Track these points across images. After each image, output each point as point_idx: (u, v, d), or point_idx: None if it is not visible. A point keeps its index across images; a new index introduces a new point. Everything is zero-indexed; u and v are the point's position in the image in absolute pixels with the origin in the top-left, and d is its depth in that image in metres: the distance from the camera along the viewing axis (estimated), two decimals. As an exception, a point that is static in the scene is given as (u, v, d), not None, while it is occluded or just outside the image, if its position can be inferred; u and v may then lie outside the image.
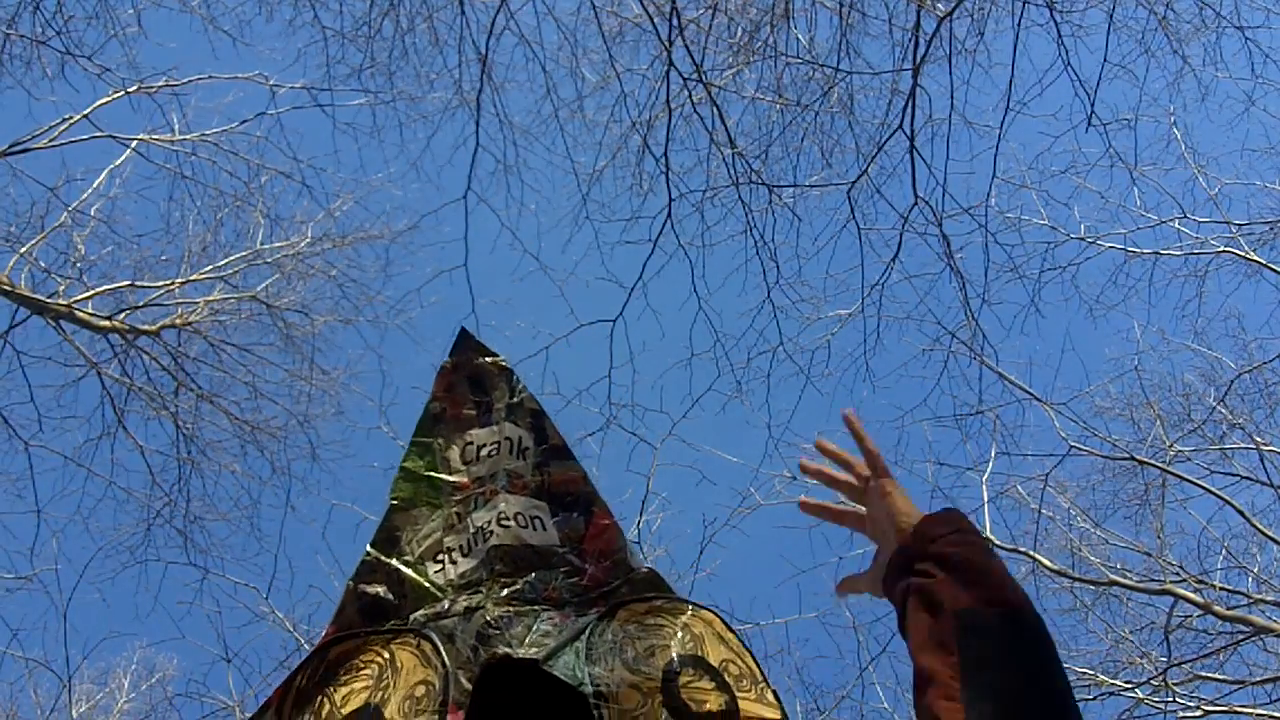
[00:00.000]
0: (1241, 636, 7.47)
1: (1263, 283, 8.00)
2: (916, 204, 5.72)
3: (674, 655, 1.13)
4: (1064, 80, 5.63)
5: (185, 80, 7.41)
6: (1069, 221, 7.81)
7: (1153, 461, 8.04)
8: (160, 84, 7.27)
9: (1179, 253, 8.06)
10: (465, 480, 1.36)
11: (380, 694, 1.04)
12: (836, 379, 7.06)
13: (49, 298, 7.21)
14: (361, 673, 1.06)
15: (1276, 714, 7.08)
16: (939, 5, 5.44)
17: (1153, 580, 7.96)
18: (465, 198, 5.88)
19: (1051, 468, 7.91)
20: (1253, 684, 7.46)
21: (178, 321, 7.96)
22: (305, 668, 1.07)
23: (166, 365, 7.86)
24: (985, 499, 7.86)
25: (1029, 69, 7.91)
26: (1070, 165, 7.46)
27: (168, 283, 8.06)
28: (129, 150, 7.57)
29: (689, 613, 1.21)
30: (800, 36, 6.17)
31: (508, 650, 1.11)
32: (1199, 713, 7.36)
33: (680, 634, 1.16)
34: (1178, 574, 7.91)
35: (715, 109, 5.77)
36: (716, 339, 6.42)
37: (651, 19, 5.59)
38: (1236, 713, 7.36)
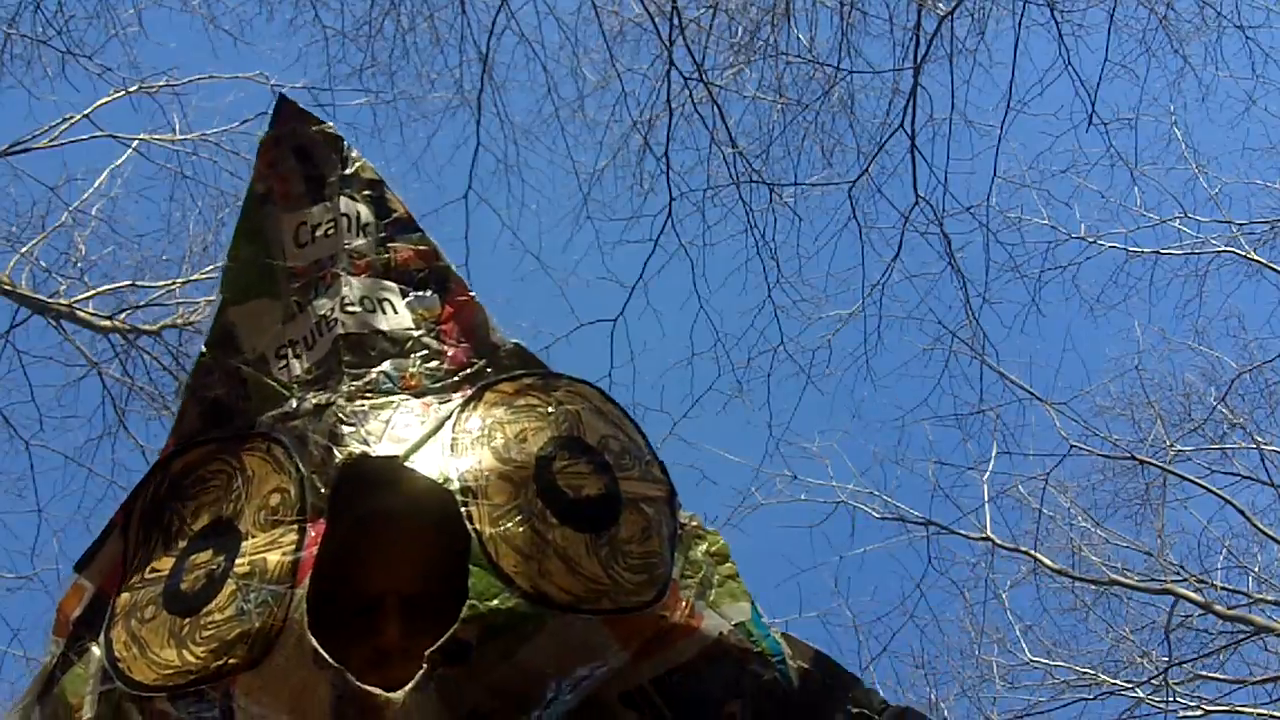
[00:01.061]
0: (1242, 636, 7.48)
1: (1263, 282, 8.01)
2: (917, 203, 5.73)
3: (547, 437, 1.02)
4: (1065, 80, 5.65)
5: (186, 80, 7.41)
6: (1070, 221, 7.82)
7: (1153, 461, 8.04)
8: (161, 84, 7.27)
9: (1180, 252, 8.06)
10: (301, 265, 1.20)
11: (232, 506, 0.95)
12: (837, 378, 7.08)
13: (50, 297, 7.22)
14: (210, 484, 0.98)
15: (1277, 714, 7.08)
16: (940, 4, 5.44)
17: (1153, 580, 7.96)
18: (466, 197, 5.89)
19: (1052, 467, 7.93)
20: (1253, 683, 7.46)
21: (179, 321, 7.96)
22: (148, 484, 0.98)
23: (168, 365, 7.86)
24: (986, 498, 7.87)
25: (1030, 68, 7.88)
26: (1071, 165, 7.47)
27: (169, 282, 8.06)
28: (130, 150, 7.57)
29: (563, 388, 1.09)
30: (801, 36, 6.18)
31: (364, 449, 1.00)
32: (1199, 712, 7.36)
33: (554, 413, 1.06)
34: (1178, 573, 7.91)
35: (716, 108, 5.77)
36: (717, 338, 6.42)
37: (652, 18, 5.59)
38: (1237, 712, 7.36)
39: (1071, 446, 7.88)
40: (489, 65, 5.90)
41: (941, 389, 7.06)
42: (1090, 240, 7.83)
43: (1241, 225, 7.95)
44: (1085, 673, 8.06)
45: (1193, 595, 7.45)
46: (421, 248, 1.21)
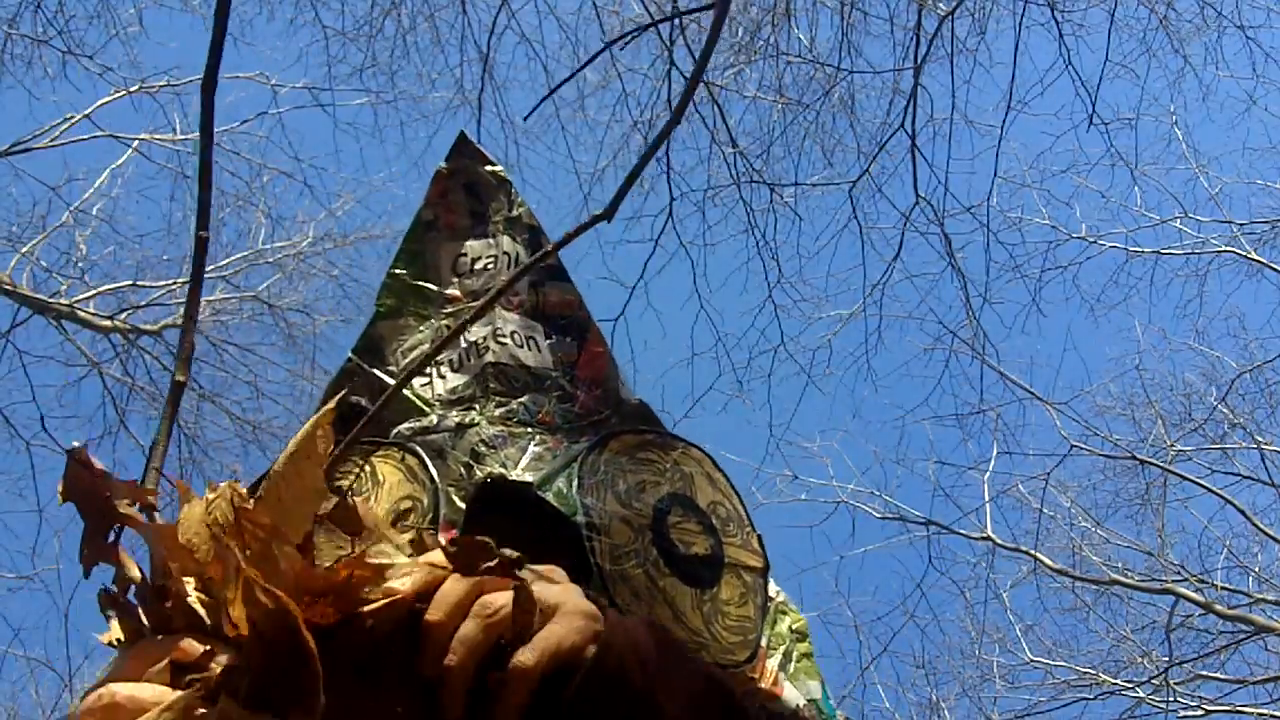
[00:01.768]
0: (1243, 636, 7.48)
1: (1264, 282, 8.00)
2: (918, 203, 5.73)
3: (664, 492, 1.07)
4: (1065, 79, 5.65)
5: (187, 80, 7.40)
6: (1070, 221, 7.82)
7: (1154, 461, 8.04)
8: (162, 84, 7.27)
9: (1180, 252, 8.05)
10: (458, 293, 1.27)
11: None
12: (838, 378, 7.07)
13: (51, 297, 7.22)
14: (336, 484, 1.00)
15: (1278, 714, 7.08)
16: (940, 4, 5.45)
17: (1154, 579, 7.96)
18: (466, 197, 5.87)
19: (1053, 467, 7.93)
20: (1254, 683, 7.46)
21: (180, 321, 7.96)
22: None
23: (169, 365, 7.86)
24: (986, 498, 7.87)
25: (1030, 68, 7.91)
26: (1071, 164, 7.46)
27: (169, 282, 8.06)
28: (130, 150, 7.57)
29: (679, 449, 1.15)
30: (801, 36, 6.18)
31: (503, 470, 1.04)
32: (1200, 712, 7.36)
33: (670, 471, 1.11)
34: (1179, 573, 7.91)
35: (716, 108, 5.78)
36: (718, 338, 6.41)
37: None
38: (1238, 712, 7.36)
39: (1072, 446, 7.89)
40: (489, 65, 5.91)
41: (942, 389, 7.06)
42: (1091, 240, 7.84)
43: (1242, 225, 7.96)
44: (1086, 672, 8.06)
45: (1193, 595, 7.45)
46: (568, 296, 1.28)
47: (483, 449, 1.07)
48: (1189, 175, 7.91)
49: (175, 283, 8.01)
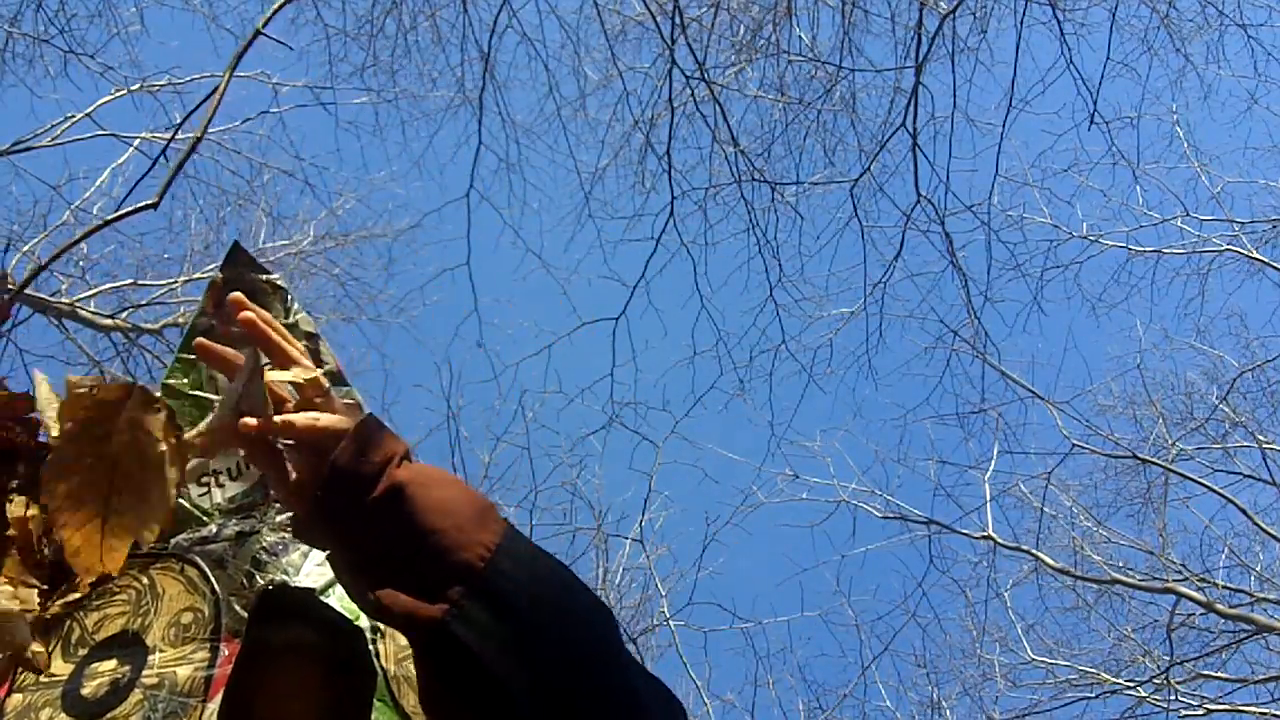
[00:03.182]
0: (1244, 635, 7.47)
1: (1265, 281, 7.99)
2: (919, 202, 5.72)
3: None
4: (1066, 78, 5.66)
5: (187, 79, 7.42)
6: (1071, 220, 7.82)
7: (1155, 460, 8.04)
8: (163, 83, 7.27)
9: (1181, 251, 8.05)
10: None
11: (140, 620, 0.98)
12: (839, 377, 7.06)
13: (51, 296, 7.22)
14: (116, 598, 1.00)
15: (1279, 713, 7.08)
16: (941, 3, 5.44)
17: (1155, 579, 7.96)
18: (468, 196, 5.88)
19: (1054, 466, 7.93)
20: (1255, 682, 7.46)
21: (180, 320, 7.96)
22: (50, 594, 1.03)
23: (169, 364, 7.85)
24: (987, 497, 7.86)
25: (1031, 67, 7.91)
26: (1073, 163, 7.46)
27: (170, 281, 8.07)
28: (131, 149, 7.58)
29: None
30: (803, 35, 6.17)
31: (285, 578, 1.04)
32: (1201, 711, 7.36)
33: None
34: (1180, 572, 7.91)
35: (718, 107, 5.76)
36: (719, 337, 6.41)
37: (654, 17, 5.59)
38: (1239, 711, 7.36)
39: (1073, 445, 7.88)
40: (490, 64, 5.90)
41: (943, 388, 7.05)
42: (1092, 239, 7.83)
43: (1243, 224, 7.95)
44: (1087, 672, 8.06)
45: (1194, 594, 7.44)
46: (348, 401, 1.28)
47: (264, 557, 1.06)
48: (1190, 174, 7.91)
49: (176, 281, 8.01)
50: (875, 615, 8.09)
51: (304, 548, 1.09)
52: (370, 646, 0.99)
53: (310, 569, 1.07)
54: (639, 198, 6.38)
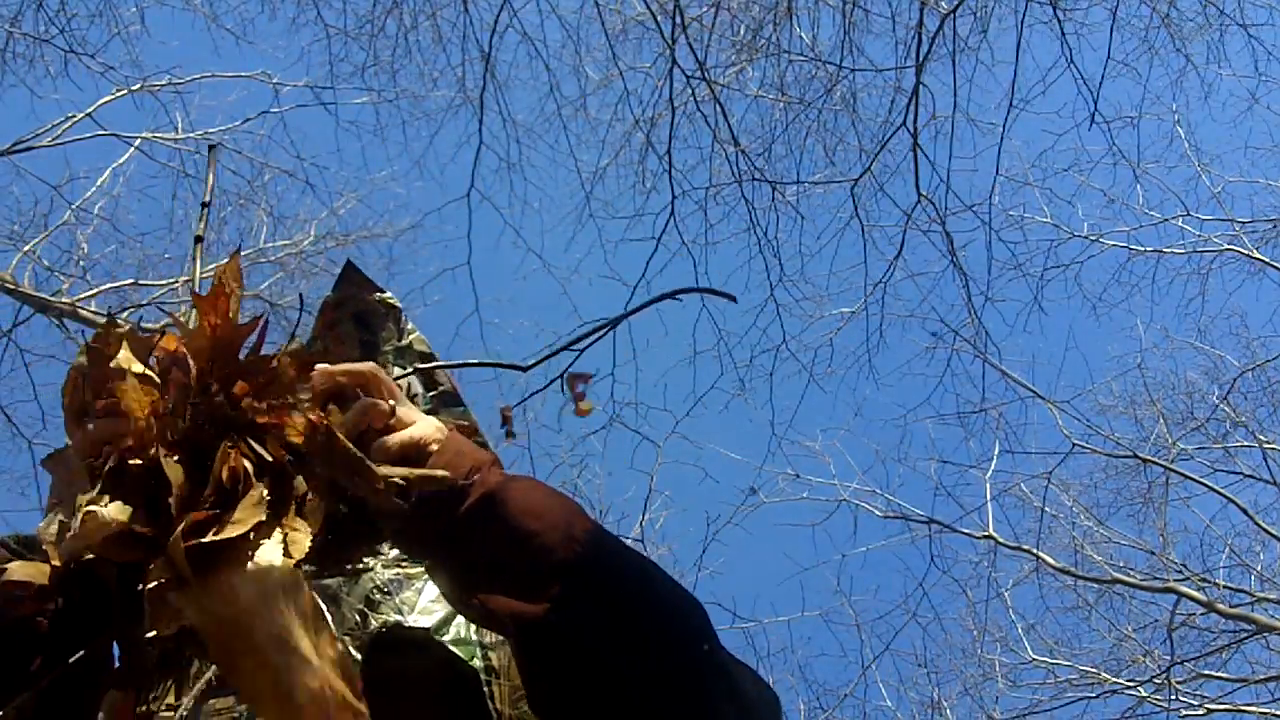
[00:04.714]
0: (1245, 635, 7.47)
1: (1266, 281, 8.00)
2: (919, 202, 5.72)
3: None
4: (1067, 78, 5.63)
5: (188, 79, 7.41)
6: (1072, 219, 7.82)
7: (1156, 459, 8.04)
8: (163, 82, 7.26)
9: (1182, 251, 8.05)
10: None
11: None
12: (839, 377, 7.07)
13: (52, 296, 7.21)
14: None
15: (1279, 713, 7.08)
16: (942, 3, 5.44)
17: (1156, 578, 7.96)
18: (468, 196, 5.90)
19: (1054, 466, 7.93)
20: (1256, 682, 7.46)
21: (183, 318, 7.95)
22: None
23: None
24: (988, 497, 7.87)
25: (1032, 66, 7.89)
26: (1073, 163, 7.46)
27: (171, 281, 8.06)
28: (132, 149, 7.56)
29: None
30: (803, 34, 6.18)
31: (399, 618, 1.02)
32: (1202, 711, 7.36)
33: None
34: (1181, 572, 7.91)
35: (718, 107, 5.77)
36: (719, 337, 6.43)
37: (655, 17, 5.59)
38: (1239, 711, 7.36)
39: (1074, 445, 7.88)
40: (491, 64, 5.91)
41: (944, 387, 7.06)
42: (1092, 239, 7.83)
43: (1244, 224, 7.95)
44: (1087, 671, 8.06)
45: (1195, 594, 7.44)
46: (463, 422, 1.22)
47: (377, 595, 1.04)
48: (1191, 174, 7.91)
49: (177, 281, 8.01)
50: (876, 615, 8.10)
51: (418, 584, 1.07)
52: (485, 689, 0.97)
53: (425, 604, 1.05)
54: (640, 197, 6.39)
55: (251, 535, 0.76)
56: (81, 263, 7.83)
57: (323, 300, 1.35)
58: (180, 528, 0.74)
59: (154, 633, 0.72)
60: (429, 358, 1.32)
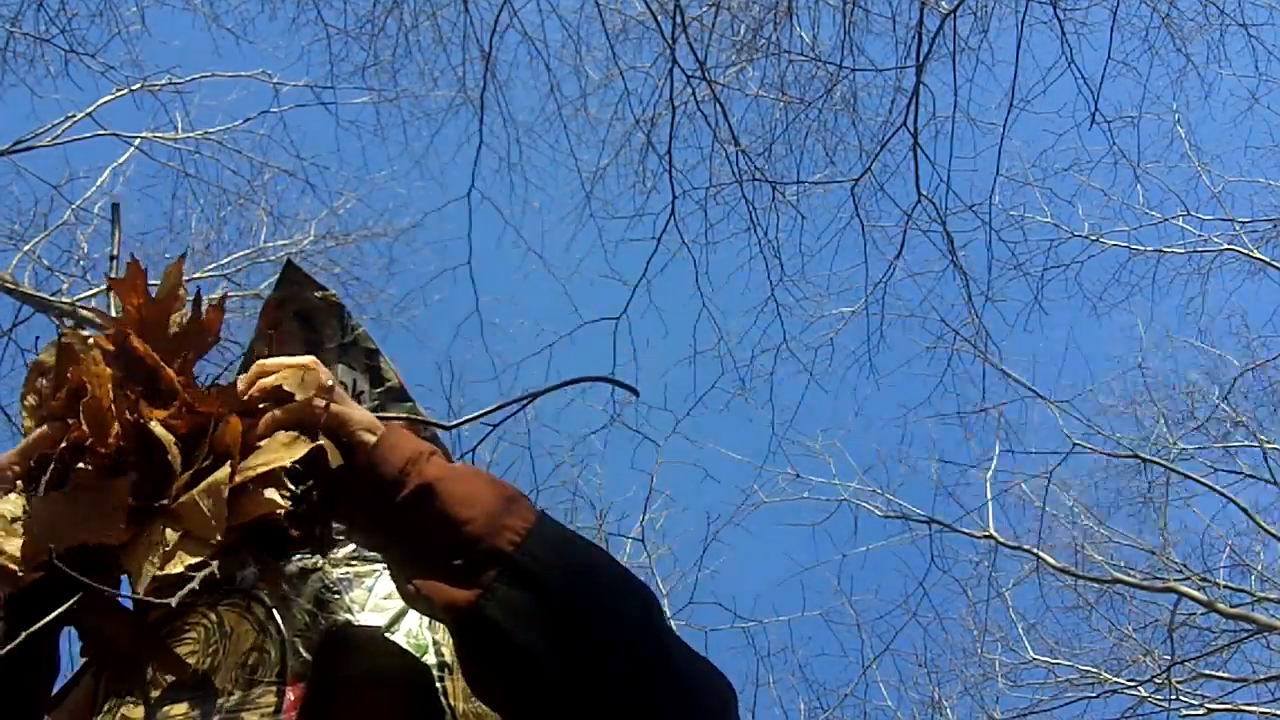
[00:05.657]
0: (1245, 634, 7.47)
1: (1266, 280, 8.00)
2: (920, 201, 5.72)
3: None
4: (1067, 78, 5.62)
5: (188, 78, 7.41)
6: (1072, 219, 7.82)
7: (1156, 459, 8.04)
8: (163, 82, 7.26)
9: (1182, 250, 8.05)
10: None
11: (209, 660, 0.93)
12: (840, 377, 7.06)
13: (52, 296, 7.21)
14: (186, 635, 0.96)
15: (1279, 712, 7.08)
16: (942, 3, 5.44)
17: (1156, 578, 7.96)
18: (469, 195, 5.89)
19: (1055, 465, 7.94)
20: (1256, 682, 7.46)
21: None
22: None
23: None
24: (989, 496, 7.87)
25: (1032, 66, 7.89)
26: (1074, 163, 7.46)
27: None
28: (132, 148, 7.56)
29: None
30: (803, 34, 6.17)
31: (349, 616, 1.01)
32: (1202, 711, 7.36)
33: None
34: (1181, 572, 7.91)
35: (719, 106, 5.76)
36: (720, 336, 6.41)
37: (655, 16, 5.59)
38: (1240, 711, 7.37)
39: (1074, 445, 7.89)
40: (492, 63, 5.90)
41: (944, 387, 7.05)
42: (1093, 238, 7.83)
43: (1244, 223, 7.95)
44: (1088, 671, 8.06)
45: (1195, 594, 7.44)
46: (411, 416, 1.23)
47: (327, 595, 1.03)
48: (1191, 173, 7.91)
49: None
50: (876, 614, 8.11)
51: (368, 582, 1.06)
52: (438, 684, 0.96)
53: (376, 602, 1.04)
54: (640, 197, 6.39)
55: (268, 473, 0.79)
56: (81, 262, 7.83)
57: (265, 299, 1.34)
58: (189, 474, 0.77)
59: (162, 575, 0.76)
60: (374, 354, 1.32)
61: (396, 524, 0.84)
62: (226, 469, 0.79)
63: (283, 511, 0.81)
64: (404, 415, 1.07)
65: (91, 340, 0.87)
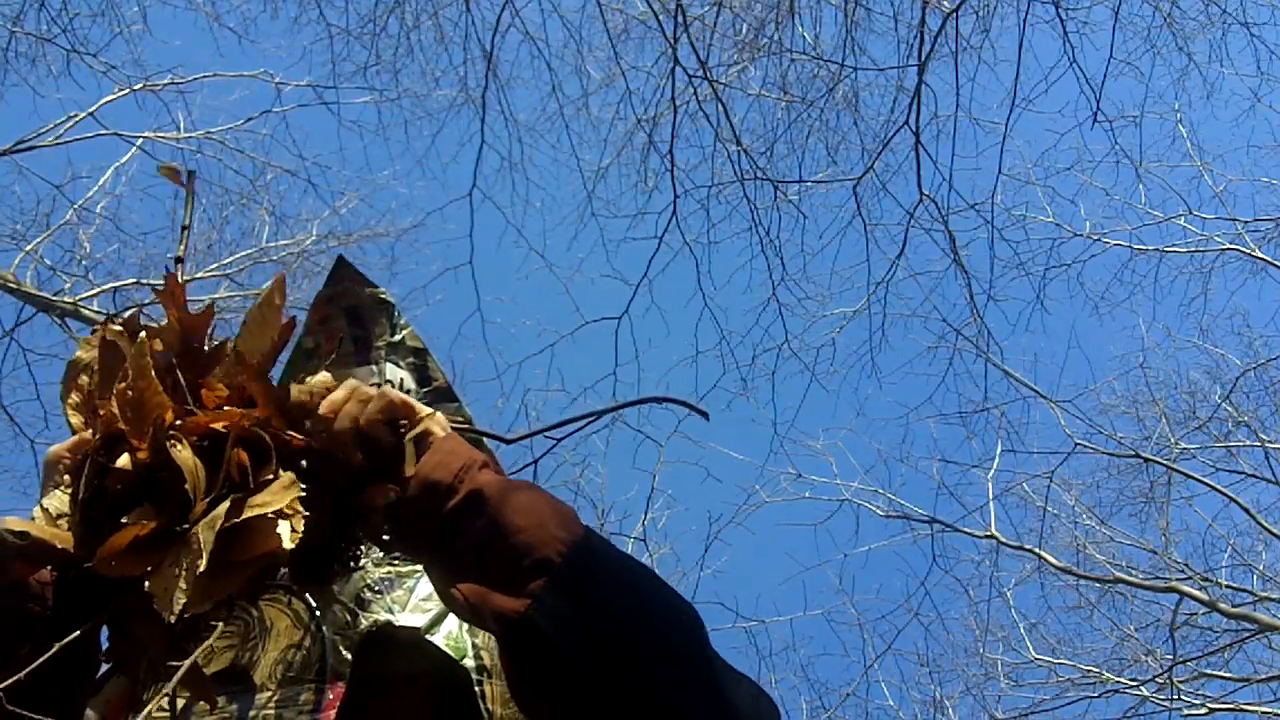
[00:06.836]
0: (1247, 634, 7.46)
1: (1268, 280, 7.99)
2: (922, 201, 5.71)
3: None
4: (1069, 77, 5.64)
5: (190, 78, 7.41)
6: (1074, 218, 7.81)
7: (1158, 459, 8.03)
8: (165, 82, 7.27)
9: (1184, 250, 8.04)
10: None
11: (248, 654, 0.93)
12: (842, 376, 7.06)
13: (54, 295, 7.21)
14: (225, 628, 0.94)
15: (1282, 712, 7.07)
16: (944, 2, 5.43)
17: (1158, 578, 7.95)
18: (470, 195, 5.88)
19: (1057, 465, 7.92)
20: (1258, 682, 7.45)
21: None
22: None
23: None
24: (990, 496, 7.87)
25: (1034, 66, 7.88)
26: (1076, 162, 7.45)
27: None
28: (134, 148, 7.56)
29: None
30: (805, 33, 6.17)
31: (389, 617, 1.01)
32: (1204, 710, 7.35)
33: None
34: (1183, 571, 7.90)
35: (720, 106, 5.76)
36: (722, 336, 6.42)
37: (657, 16, 5.58)
38: (1241, 710, 7.35)
39: (1076, 444, 7.88)
40: (493, 63, 5.90)
41: (946, 386, 7.06)
42: (1095, 238, 7.82)
43: (1246, 223, 7.94)
44: (1089, 671, 8.05)
45: (1197, 593, 7.43)
46: (457, 418, 1.25)
47: (368, 594, 1.03)
48: (1193, 173, 7.89)
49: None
50: (878, 614, 8.12)
51: (409, 583, 1.06)
52: (477, 689, 0.95)
53: (416, 603, 1.04)
54: (641, 196, 6.39)
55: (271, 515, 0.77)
56: (84, 262, 7.84)
57: (316, 295, 1.33)
58: (203, 507, 0.75)
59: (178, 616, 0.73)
60: (421, 352, 1.32)
61: (447, 531, 0.84)
62: (226, 505, 0.77)
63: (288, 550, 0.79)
64: (464, 425, 1.07)
65: (142, 336, 0.85)
